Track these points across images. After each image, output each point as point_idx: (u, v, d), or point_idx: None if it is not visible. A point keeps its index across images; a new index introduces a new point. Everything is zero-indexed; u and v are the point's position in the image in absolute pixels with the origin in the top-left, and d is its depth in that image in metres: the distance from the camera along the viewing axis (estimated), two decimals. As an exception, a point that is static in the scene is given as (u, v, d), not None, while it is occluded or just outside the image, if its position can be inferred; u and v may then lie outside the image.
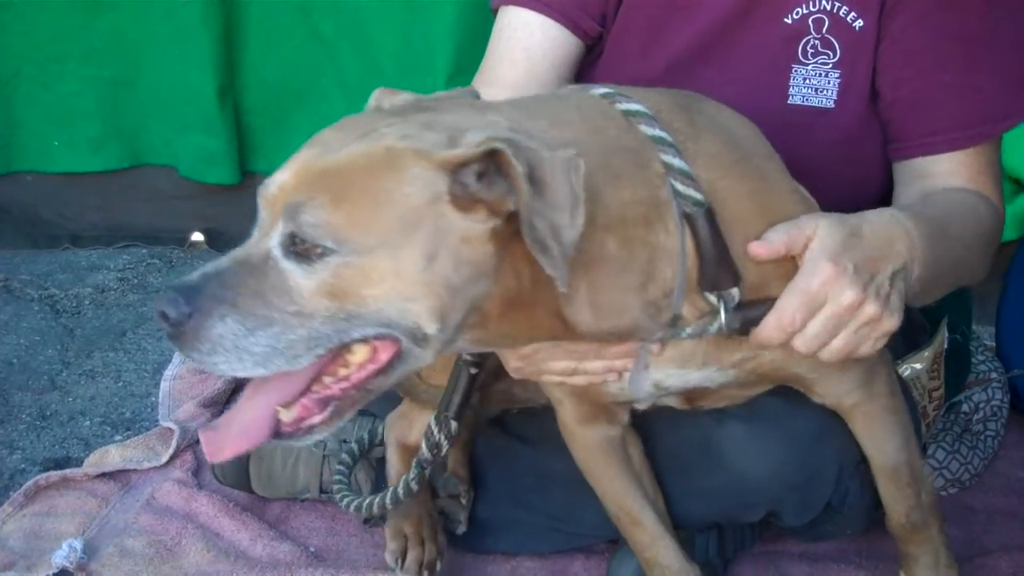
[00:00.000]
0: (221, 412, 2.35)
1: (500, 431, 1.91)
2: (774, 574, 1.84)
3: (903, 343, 1.85)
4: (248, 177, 3.26)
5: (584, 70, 1.82)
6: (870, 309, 1.31)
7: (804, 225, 1.32)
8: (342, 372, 1.22)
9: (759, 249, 1.31)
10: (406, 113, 1.24)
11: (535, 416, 1.83)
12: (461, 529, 1.85)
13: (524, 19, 1.76)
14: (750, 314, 1.32)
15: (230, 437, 1.23)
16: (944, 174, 1.66)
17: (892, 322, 1.34)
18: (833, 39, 1.70)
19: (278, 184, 1.19)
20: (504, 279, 1.20)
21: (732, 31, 1.72)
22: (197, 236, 3.32)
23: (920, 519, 1.63)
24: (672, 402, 1.55)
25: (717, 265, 1.29)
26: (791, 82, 1.71)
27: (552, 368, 1.42)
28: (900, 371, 1.79)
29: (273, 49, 3.10)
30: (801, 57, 1.71)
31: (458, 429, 1.67)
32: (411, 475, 1.70)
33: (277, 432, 1.23)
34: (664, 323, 1.30)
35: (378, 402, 1.96)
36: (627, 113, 1.31)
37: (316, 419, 1.23)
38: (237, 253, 1.19)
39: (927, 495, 1.63)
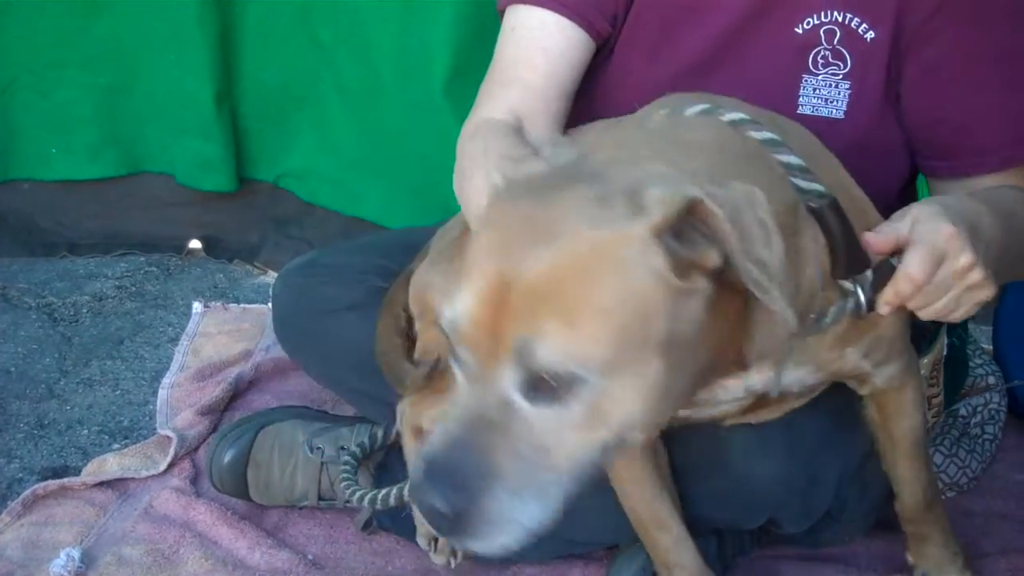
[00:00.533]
0: (220, 420, 2.35)
1: None
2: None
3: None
4: (246, 184, 3.26)
5: (592, 72, 1.81)
6: (977, 274, 1.33)
7: (903, 214, 1.35)
8: None
9: (874, 240, 1.32)
10: (555, 186, 1.14)
11: None
12: None
13: (540, 19, 1.74)
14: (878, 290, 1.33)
15: None
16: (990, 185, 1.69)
17: (990, 291, 1.36)
18: (844, 50, 1.70)
19: (477, 319, 1.08)
20: (712, 337, 1.16)
21: (742, 39, 1.72)
22: (195, 243, 3.31)
23: (933, 496, 1.69)
24: (734, 408, 1.51)
25: (849, 253, 1.29)
26: (801, 92, 1.71)
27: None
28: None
29: (270, 54, 3.09)
30: (811, 67, 1.72)
31: None
32: None
33: None
34: (809, 325, 1.31)
35: (376, 407, 1.98)
36: (733, 123, 1.30)
37: None
38: (462, 411, 1.10)
39: (934, 477, 1.71)
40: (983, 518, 1.97)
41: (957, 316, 1.39)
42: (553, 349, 1.04)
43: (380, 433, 1.98)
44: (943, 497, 2.05)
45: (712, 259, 1.09)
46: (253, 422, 2.07)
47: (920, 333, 1.92)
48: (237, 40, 3.08)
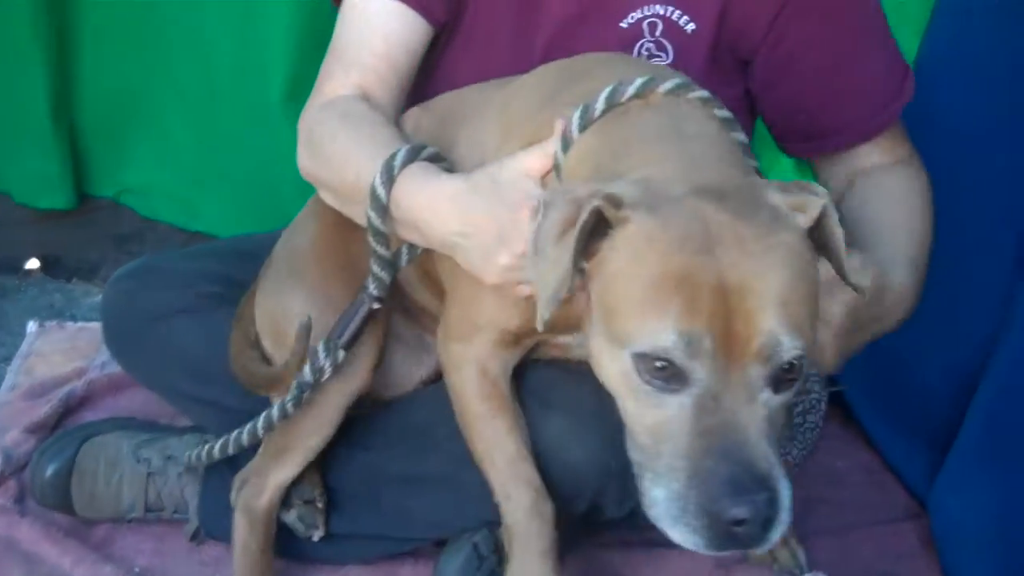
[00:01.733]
0: (48, 437, 2.29)
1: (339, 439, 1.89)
2: (600, 565, 1.88)
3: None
4: (86, 200, 3.19)
5: (429, 56, 1.86)
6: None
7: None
8: None
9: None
10: (696, 198, 1.23)
11: (372, 419, 1.84)
12: (318, 535, 1.84)
13: (379, 5, 1.78)
14: None
15: None
16: (864, 154, 1.84)
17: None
18: (666, 42, 1.77)
19: (713, 329, 1.15)
20: None
21: (572, 34, 1.79)
22: (33, 263, 3.23)
23: None
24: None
25: None
26: None
27: None
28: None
29: (107, 69, 3.03)
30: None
31: (344, 359, 1.66)
32: (289, 398, 1.67)
33: None
34: None
35: (207, 412, 1.96)
36: (703, 101, 1.44)
37: None
38: (751, 431, 1.16)
39: None
40: (803, 503, 2.02)
41: None
42: (793, 344, 1.15)
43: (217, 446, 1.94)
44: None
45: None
46: (77, 434, 2.03)
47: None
48: (73, 53, 3.01)
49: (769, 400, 1.17)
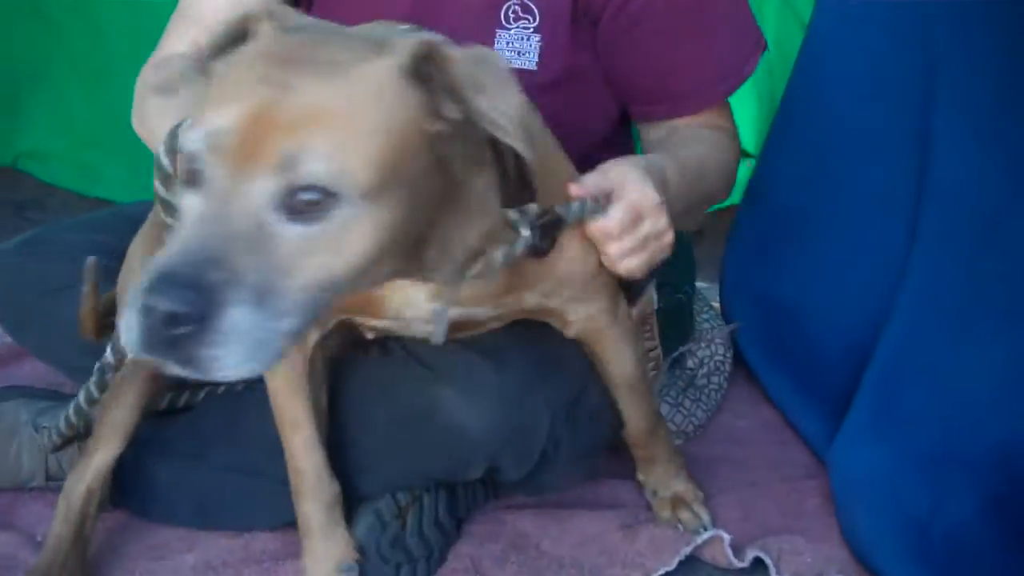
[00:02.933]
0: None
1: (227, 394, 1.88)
2: (506, 529, 1.89)
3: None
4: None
5: None
6: (670, 236, 1.53)
7: (610, 170, 1.50)
8: None
9: (576, 189, 1.44)
10: (314, 37, 1.16)
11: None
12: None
13: None
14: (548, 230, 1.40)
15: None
16: (686, 123, 1.86)
17: (671, 236, 1.54)
18: (531, 4, 1.78)
19: (237, 130, 1.05)
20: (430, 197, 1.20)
21: (435, 1, 1.76)
22: (-72, 231, 3.14)
23: (656, 421, 1.84)
24: (420, 331, 1.55)
25: (519, 182, 1.35)
26: (495, 46, 1.77)
27: None
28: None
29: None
30: (503, 22, 1.78)
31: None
32: (92, 380, 1.63)
33: None
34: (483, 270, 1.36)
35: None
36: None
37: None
38: (215, 229, 1.03)
39: (656, 402, 1.84)
40: (706, 463, 2.06)
41: (653, 263, 1.54)
42: (320, 164, 1.05)
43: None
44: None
45: (450, 110, 1.15)
46: (-24, 402, 1.98)
47: (626, 287, 2.02)
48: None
49: (273, 220, 1.06)
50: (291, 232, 1.06)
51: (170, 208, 1.42)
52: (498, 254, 1.36)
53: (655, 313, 2.03)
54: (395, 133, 1.11)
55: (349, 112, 1.09)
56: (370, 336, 1.68)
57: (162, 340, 1.01)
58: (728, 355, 2.32)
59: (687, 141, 1.82)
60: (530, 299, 1.54)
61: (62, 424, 1.66)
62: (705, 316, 2.35)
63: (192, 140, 1.09)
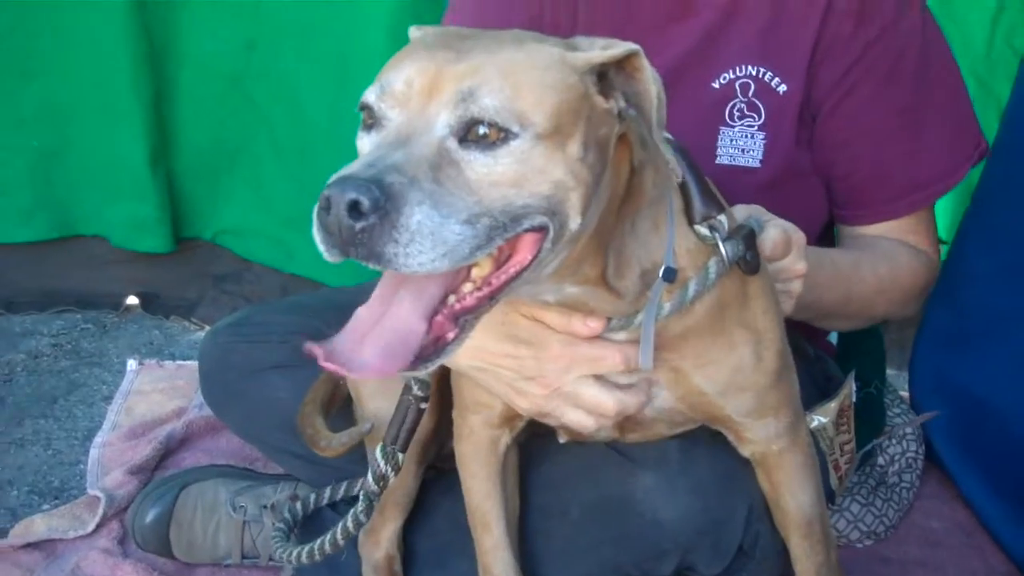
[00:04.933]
0: (150, 479, 2.35)
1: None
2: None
3: (817, 395, 1.89)
4: (183, 241, 3.28)
5: None
6: (798, 286, 1.54)
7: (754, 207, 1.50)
8: (467, 288, 1.14)
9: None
10: (497, 32, 1.21)
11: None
12: None
13: None
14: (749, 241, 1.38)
15: (375, 354, 1.10)
16: (875, 231, 1.82)
17: (798, 287, 1.54)
18: (758, 102, 1.78)
19: (414, 80, 1.10)
20: (607, 189, 1.22)
21: (668, 92, 1.78)
22: (132, 300, 3.32)
23: (829, 573, 1.66)
24: (605, 433, 1.55)
25: (703, 194, 1.35)
26: (719, 143, 1.78)
27: (585, 396, 1.43)
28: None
29: (204, 115, 3.12)
30: (728, 119, 1.79)
31: (404, 461, 1.65)
32: (359, 507, 1.67)
33: (418, 351, 1.11)
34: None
35: (300, 465, 1.99)
36: None
37: (451, 335, 1.13)
38: (397, 150, 1.07)
39: (834, 552, 1.67)
40: (899, 565, 2.01)
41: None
42: (495, 100, 1.08)
43: (312, 498, 1.98)
44: (861, 545, 2.10)
45: (618, 105, 1.19)
46: (176, 481, 2.08)
47: (834, 380, 1.98)
48: (171, 101, 3.11)
49: (450, 146, 1.09)
50: (470, 156, 1.09)
51: None
52: (692, 283, 1.34)
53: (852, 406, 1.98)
54: (566, 92, 1.14)
55: (522, 69, 1.12)
56: (562, 440, 1.68)
57: (347, 236, 1.02)
58: (920, 451, 2.25)
59: (859, 246, 1.79)
60: (700, 382, 1.44)
61: (327, 545, 1.70)
62: (896, 410, 2.28)
63: (369, 93, 1.14)
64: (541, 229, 1.14)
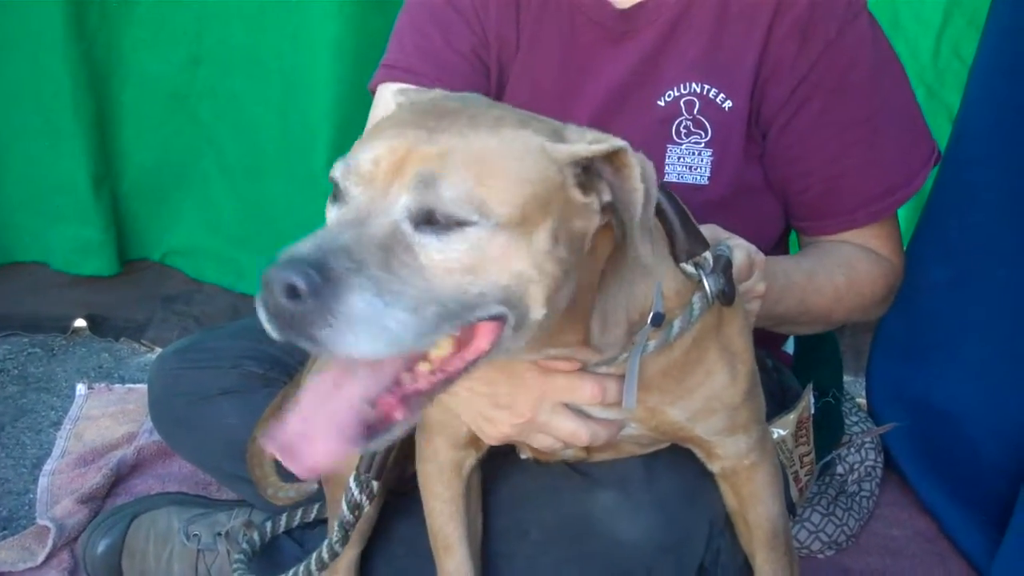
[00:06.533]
0: (101, 507, 2.30)
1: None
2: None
3: (775, 407, 1.89)
4: (131, 262, 3.23)
5: None
6: (756, 305, 1.53)
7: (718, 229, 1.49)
8: (423, 367, 1.12)
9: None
10: (478, 110, 1.19)
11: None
12: None
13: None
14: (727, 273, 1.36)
15: (318, 440, 1.09)
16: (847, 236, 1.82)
17: (757, 307, 1.54)
18: (704, 119, 1.77)
19: (381, 159, 1.09)
20: (583, 274, 1.20)
21: (610, 115, 1.79)
22: (80, 322, 3.25)
23: None
24: (572, 452, 1.55)
25: (687, 232, 1.32)
26: (666, 161, 1.77)
27: (559, 428, 1.40)
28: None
29: (149, 134, 3.07)
30: (675, 136, 1.78)
31: (379, 489, 1.63)
32: (334, 537, 1.65)
33: (365, 431, 1.10)
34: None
35: (252, 490, 1.96)
36: None
37: (399, 415, 1.12)
38: (349, 230, 1.05)
39: (796, 564, 1.66)
40: (861, 575, 2.00)
41: None
42: (455, 189, 1.06)
43: (268, 526, 1.96)
44: (822, 556, 2.09)
45: (600, 200, 1.17)
46: (127, 510, 2.04)
47: (791, 393, 1.97)
48: (114, 121, 3.06)
49: (405, 229, 1.07)
50: (424, 240, 1.07)
51: None
52: (676, 322, 1.33)
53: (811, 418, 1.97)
54: (539, 184, 1.12)
55: (492, 156, 1.11)
56: (524, 456, 1.67)
57: (284, 318, 1.00)
58: (879, 460, 2.26)
59: (816, 254, 1.79)
60: (675, 415, 1.45)
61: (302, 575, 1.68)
62: (854, 419, 2.28)
63: (336, 168, 1.12)
64: (500, 318, 1.12)
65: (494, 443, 1.49)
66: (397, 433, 1.12)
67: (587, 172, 1.17)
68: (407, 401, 1.12)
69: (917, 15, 2.70)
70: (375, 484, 1.61)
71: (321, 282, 0.98)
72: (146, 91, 3.03)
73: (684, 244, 1.32)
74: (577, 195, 1.16)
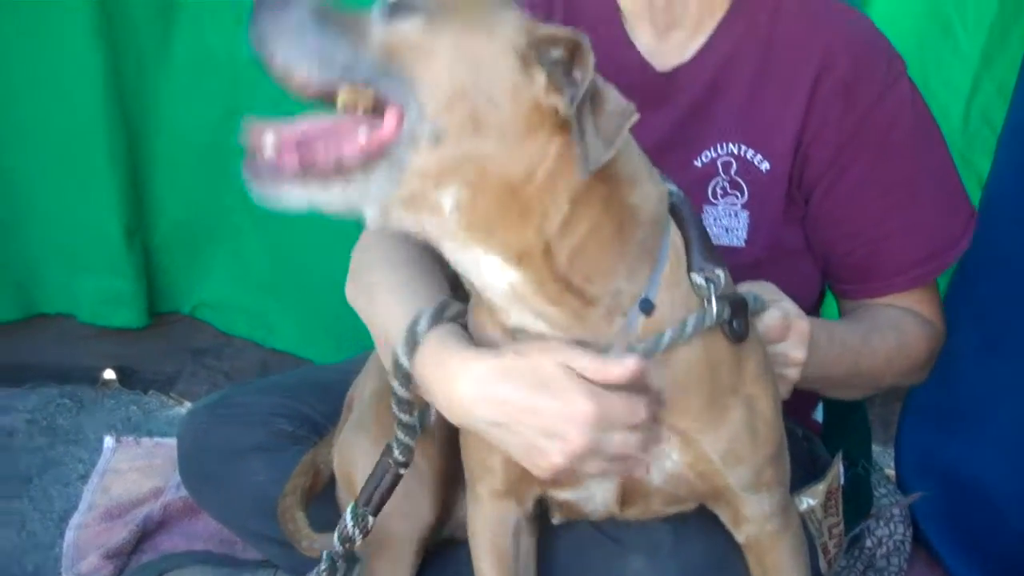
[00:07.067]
0: (126, 563, 2.31)
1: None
2: None
3: (804, 477, 1.87)
4: (161, 314, 3.25)
5: None
6: (795, 374, 1.54)
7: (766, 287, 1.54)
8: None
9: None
10: None
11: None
12: None
13: None
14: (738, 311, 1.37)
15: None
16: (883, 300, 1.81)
17: (795, 375, 1.54)
18: (741, 180, 1.77)
19: None
20: (519, 157, 1.22)
21: None
22: (109, 374, 3.27)
23: None
24: (601, 502, 1.52)
25: (703, 245, 1.37)
26: (703, 222, 1.76)
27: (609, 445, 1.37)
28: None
29: (182, 186, 3.10)
30: (711, 198, 1.78)
31: (373, 525, 1.60)
32: (322, 567, 1.63)
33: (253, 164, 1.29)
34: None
35: (278, 550, 1.96)
36: None
37: (288, 171, 1.26)
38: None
39: None
40: (890, 650, 1.98)
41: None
42: None
43: None
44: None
45: (560, 99, 1.21)
46: (154, 568, 2.05)
47: (822, 462, 1.96)
48: (147, 172, 3.08)
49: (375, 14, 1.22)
50: (378, 18, 1.21)
51: (404, 404, 1.48)
52: (690, 320, 1.33)
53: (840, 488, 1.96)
54: (493, 21, 1.24)
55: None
56: (556, 521, 1.65)
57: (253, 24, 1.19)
58: (908, 534, 2.23)
59: (868, 317, 1.77)
60: (708, 449, 1.40)
61: None
62: (883, 491, 2.26)
63: None
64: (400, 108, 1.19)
65: (545, 476, 1.41)
66: (286, 191, 1.27)
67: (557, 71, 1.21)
68: (302, 165, 1.24)
69: (947, 82, 2.71)
70: (371, 519, 1.58)
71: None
72: (180, 143, 3.05)
73: (698, 255, 1.35)
74: (538, 75, 1.21)
